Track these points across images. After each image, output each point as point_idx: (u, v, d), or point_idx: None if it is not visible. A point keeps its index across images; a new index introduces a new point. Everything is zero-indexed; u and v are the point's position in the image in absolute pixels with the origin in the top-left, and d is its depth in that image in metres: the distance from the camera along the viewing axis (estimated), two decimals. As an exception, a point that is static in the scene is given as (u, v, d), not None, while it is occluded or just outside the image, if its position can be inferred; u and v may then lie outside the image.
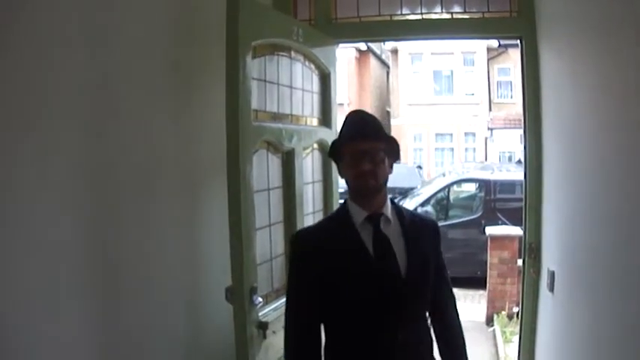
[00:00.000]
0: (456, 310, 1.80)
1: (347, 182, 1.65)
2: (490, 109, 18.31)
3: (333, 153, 1.69)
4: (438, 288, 1.72)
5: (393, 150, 1.65)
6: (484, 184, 8.19)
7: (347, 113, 1.70)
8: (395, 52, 19.16)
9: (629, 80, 1.62)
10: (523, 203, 2.92)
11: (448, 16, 2.97)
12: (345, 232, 1.63)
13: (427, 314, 1.74)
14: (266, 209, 2.24)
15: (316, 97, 2.73)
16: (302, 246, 1.67)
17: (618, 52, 1.72)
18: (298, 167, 2.43)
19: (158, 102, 2.10)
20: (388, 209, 1.66)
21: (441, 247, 1.77)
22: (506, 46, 17.49)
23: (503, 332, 5.49)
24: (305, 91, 2.60)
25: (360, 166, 1.58)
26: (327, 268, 1.59)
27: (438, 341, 1.75)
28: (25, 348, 1.44)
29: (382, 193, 1.65)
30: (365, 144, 1.58)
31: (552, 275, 2.52)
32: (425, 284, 1.66)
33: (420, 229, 1.69)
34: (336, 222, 1.70)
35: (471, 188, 9.10)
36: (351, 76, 18.73)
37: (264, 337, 2.06)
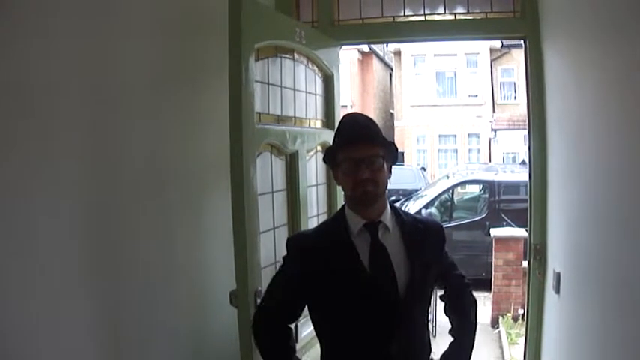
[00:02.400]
0: (471, 294, 1.84)
1: (344, 190, 1.58)
2: (494, 110, 18.29)
3: (329, 158, 1.61)
4: (451, 281, 1.76)
5: (391, 154, 1.57)
6: (488, 186, 8.18)
7: (342, 116, 1.63)
8: (398, 53, 19.17)
9: (634, 80, 1.61)
10: (528, 204, 2.90)
11: (451, 17, 2.96)
12: (340, 242, 1.56)
13: (425, 320, 1.70)
14: (270, 212, 2.23)
15: (319, 100, 2.73)
16: (296, 249, 1.63)
17: (622, 52, 1.71)
18: (302, 170, 2.43)
19: (161, 105, 2.10)
20: (387, 216, 1.59)
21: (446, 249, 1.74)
22: (510, 47, 17.51)
23: (509, 334, 5.48)
24: (308, 94, 2.59)
25: (359, 175, 1.50)
26: (318, 279, 1.55)
27: (451, 319, 1.80)
28: (25, 349, 1.44)
29: (382, 199, 1.57)
30: (363, 150, 1.50)
31: (558, 277, 2.50)
32: (423, 295, 1.62)
33: (422, 235, 1.61)
34: (332, 229, 1.63)
35: (475, 190, 9.11)
36: (354, 78, 18.74)
37: (269, 340, 2.05)
